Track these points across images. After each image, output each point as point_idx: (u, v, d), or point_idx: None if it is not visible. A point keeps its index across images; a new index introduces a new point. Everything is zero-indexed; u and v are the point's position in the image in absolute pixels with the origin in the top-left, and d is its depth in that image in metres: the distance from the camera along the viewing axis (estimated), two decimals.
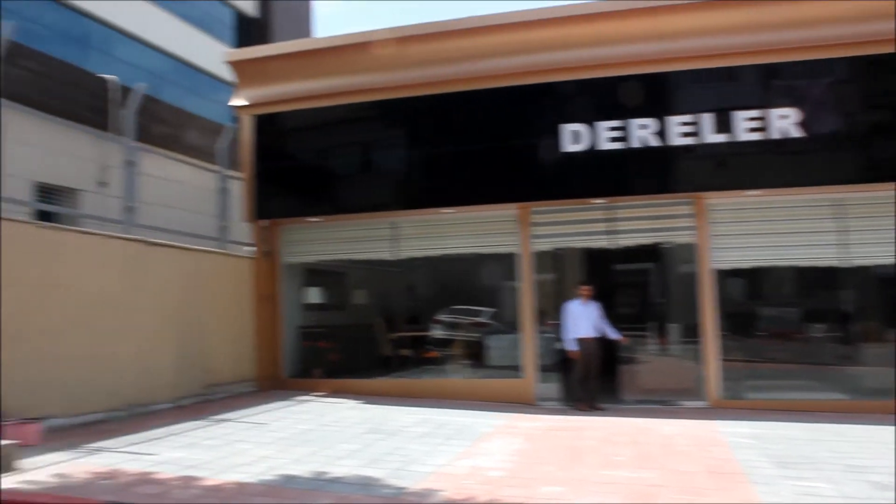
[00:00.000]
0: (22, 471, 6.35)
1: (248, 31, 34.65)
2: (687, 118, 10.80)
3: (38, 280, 8.89)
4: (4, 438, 6.85)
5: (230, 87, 12.78)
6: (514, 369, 11.82)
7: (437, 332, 14.33)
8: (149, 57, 28.93)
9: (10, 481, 5.90)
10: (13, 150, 9.32)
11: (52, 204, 10.85)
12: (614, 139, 11.03)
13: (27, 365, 8.50)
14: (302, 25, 37.10)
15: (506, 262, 12.03)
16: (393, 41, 11.94)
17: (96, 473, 6.30)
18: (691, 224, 11.17)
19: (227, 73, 29.25)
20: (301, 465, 6.68)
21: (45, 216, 10.44)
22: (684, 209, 11.19)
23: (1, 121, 9.09)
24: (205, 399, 11.22)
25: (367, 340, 14.25)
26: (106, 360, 9.73)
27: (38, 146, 10.29)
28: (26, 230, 8.95)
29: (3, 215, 8.74)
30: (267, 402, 11.01)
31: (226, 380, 11.96)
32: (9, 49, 9.22)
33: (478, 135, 11.77)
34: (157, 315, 10.74)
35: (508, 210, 11.87)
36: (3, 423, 7.57)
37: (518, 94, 11.54)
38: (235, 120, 13.88)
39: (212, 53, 31.26)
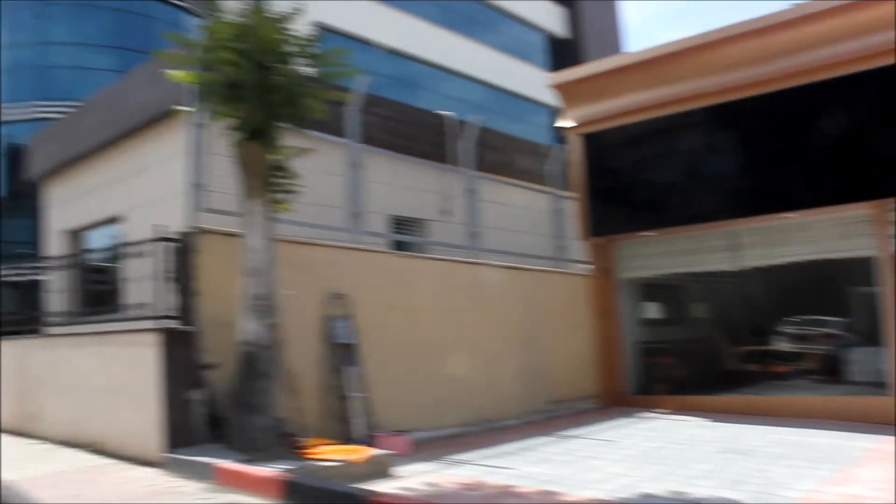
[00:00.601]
0: (397, 478, 6.93)
1: (560, 51, 35.44)
2: None
3: (398, 304, 9.75)
4: (380, 448, 7.57)
5: (545, 109, 13.15)
6: (876, 386, 10.64)
7: (783, 345, 13.39)
8: (469, 89, 30.80)
9: (388, 486, 6.47)
10: (372, 188, 10.38)
11: (404, 234, 11.86)
12: None
13: (393, 382, 9.33)
14: (611, 38, 37.16)
15: (859, 267, 10.91)
16: (715, 43, 11.46)
17: (462, 484, 6.68)
18: None
19: (542, 96, 30.31)
20: (657, 484, 6.55)
21: (399, 245, 11.48)
22: None
23: (361, 163, 10.26)
24: (549, 415, 11.49)
25: (709, 355, 13.69)
26: (458, 377, 10.34)
27: (391, 183, 11.33)
28: (386, 259, 9.93)
29: (366, 247, 9.76)
30: (611, 419, 11.00)
31: (568, 396, 12.16)
32: (364, 100, 10.31)
33: (817, 131, 10.81)
34: (502, 334, 11.25)
35: (859, 210, 10.77)
36: (377, 434, 8.38)
37: (860, 81, 10.47)
38: (560, 140, 14.18)
39: (527, 79, 32.48)
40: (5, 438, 9.28)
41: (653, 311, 14.72)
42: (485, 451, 8.47)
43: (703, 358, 13.73)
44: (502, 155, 13.57)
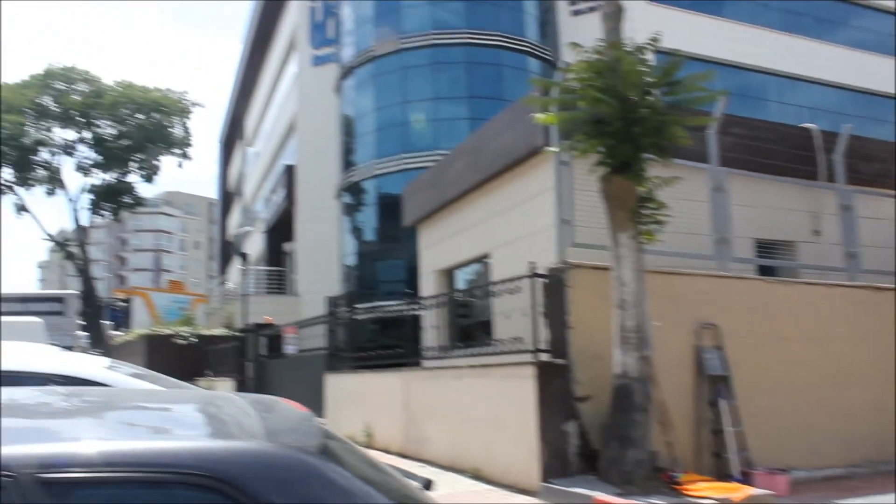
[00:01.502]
0: None
1: None
2: None
3: (769, 332, 9.24)
4: (757, 487, 7.17)
5: None
6: None
7: None
8: (823, 94, 28.44)
9: None
10: (735, 212, 9.97)
11: (772, 258, 11.19)
12: None
13: (766, 416, 8.83)
14: None
15: None
16: None
17: None
18: None
19: None
20: None
21: (765, 271, 10.85)
22: None
23: (724, 187, 9.94)
24: None
25: None
26: (840, 411, 9.51)
27: (754, 205, 10.77)
28: (754, 286, 9.51)
29: (733, 274, 9.38)
30: None
31: None
32: (723, 121, 9.97)
33: None
34: (890, 364, 10.11)
35: None
36: (753, 472, 7.96)
37: None
38: None
39: (890, 74, 29.07)
40: (397, 460, 10.20)
41: None
42: (877, 498, 7.66)
43: None
44: (879, 164, 12.26)
